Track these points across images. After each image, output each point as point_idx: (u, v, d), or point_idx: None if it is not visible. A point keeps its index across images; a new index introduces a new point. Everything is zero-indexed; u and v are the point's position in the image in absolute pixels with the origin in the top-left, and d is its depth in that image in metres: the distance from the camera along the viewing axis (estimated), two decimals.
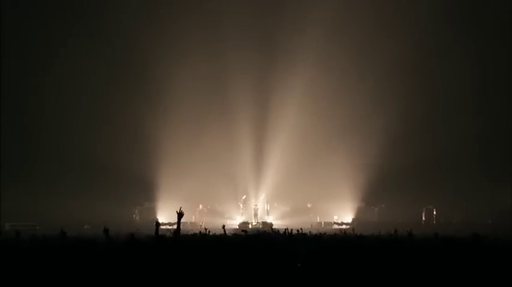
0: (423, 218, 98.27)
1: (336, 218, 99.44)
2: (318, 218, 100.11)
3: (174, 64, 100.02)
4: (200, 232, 14.03)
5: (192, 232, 12.45)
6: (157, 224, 9.40)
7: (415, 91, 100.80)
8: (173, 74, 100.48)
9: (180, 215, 9.25)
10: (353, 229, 16.35)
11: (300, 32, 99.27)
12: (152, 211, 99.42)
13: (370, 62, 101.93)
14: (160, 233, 9.61)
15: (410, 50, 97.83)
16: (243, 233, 12.55)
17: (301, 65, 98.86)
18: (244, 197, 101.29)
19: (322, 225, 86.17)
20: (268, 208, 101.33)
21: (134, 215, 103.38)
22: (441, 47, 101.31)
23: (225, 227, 13.45)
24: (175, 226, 9.68)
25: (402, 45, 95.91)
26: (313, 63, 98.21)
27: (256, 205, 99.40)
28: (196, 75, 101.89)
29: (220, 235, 13.47)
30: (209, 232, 14.58)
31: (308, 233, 15.06)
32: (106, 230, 9.90)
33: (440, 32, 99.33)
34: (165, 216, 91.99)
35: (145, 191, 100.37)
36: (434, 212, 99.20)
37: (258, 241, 11.44)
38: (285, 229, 14.69)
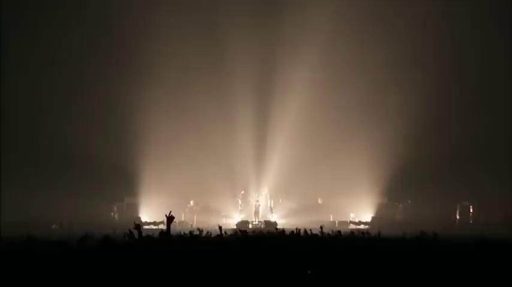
0: (457, 217, 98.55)
1: (352, 217, 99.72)
2: (331, 217, 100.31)
3: (165, 44, 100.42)
4: (190, 232, 13.99)
5: (182, 233, 12.36)
6: (138, 226, 9.26)
7: (449, 68, 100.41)
8: (164, 55, 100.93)
9: (170, 219, 9.18)
10: (367, 232, 16.32)
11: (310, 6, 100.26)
12: (133, 208, 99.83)
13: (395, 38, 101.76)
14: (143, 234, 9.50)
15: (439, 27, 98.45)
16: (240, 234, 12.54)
17: (312, 42, 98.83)
18: (243, 191, 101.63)
19: (336, 224, 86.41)
20: (272, 205, 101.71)
21: (112, 213, 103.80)
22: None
23: (221, 227, 13.46)
24: (161, 226, 9.64)
25: (430, 22, 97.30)
26: (325, 39, 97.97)
27: (257, 201, 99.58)
28: (189, 54, 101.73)
29: (217, 235, 13.48)
30: (202, 231, 14.60)
31: (318, 234, 15.03)
32: (84, 238, 9.81)
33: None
34: (149, 214, 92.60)
35: (125, 184, 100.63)
36: (471, 210, 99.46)
37: (260, 244, 11.45)
38: (296, 229, 14.65)
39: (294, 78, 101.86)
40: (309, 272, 9.24)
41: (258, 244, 11.17)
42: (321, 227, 14.80)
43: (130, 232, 9.45)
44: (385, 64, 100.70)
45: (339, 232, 17.26)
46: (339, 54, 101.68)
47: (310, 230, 16.04)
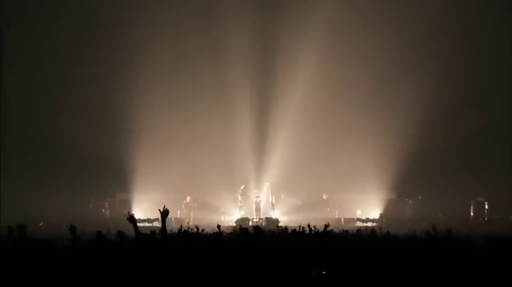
0: (471, 214, 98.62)
1: (359, 214, 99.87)
2: (337, 213, 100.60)
3: (160, 34, 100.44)
4: (184, 228, 13.85)
5: (175, 230, 12.32)
6: (132, 219, 9.15)
7: (462, 54, 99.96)
8: (158, 46, 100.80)
9: (165, 214, 9.17)
10: (379, 228, 16.37)
11: None
12: (126, 204, 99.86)
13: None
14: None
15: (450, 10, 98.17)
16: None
17: (316, 26, 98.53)
18: (243, 186, 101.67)
19: (342, 222, 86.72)
20: (273, 201, 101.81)
21: (103, 210, 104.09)
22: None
23: (220, 226, 13.48)
24: (155, 223, 9.63)
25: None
26: (332, 25, 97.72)
27: (258, 197, 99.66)
28: (185, 44, 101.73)
29: (215, 232, 13.51)
30: (198, 230, 14.66)
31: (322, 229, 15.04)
32: (73, 228, 9.76)
33: None
34: (143, 211, 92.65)
35: (117, 180, 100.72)
36: (486, 206, 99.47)
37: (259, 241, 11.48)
38: (300, 227, 14.67)
39: (297, 68, 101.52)
40: (313, 272, 9.31)
41: (258, 241, 11.22)
42: (326, 226, 14.81)
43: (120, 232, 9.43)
44: (393, 53, 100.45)
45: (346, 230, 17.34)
46: (345, 41, 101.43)
47: (315, 226, 16.05)
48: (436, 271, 8.96)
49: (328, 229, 14.49)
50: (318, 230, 15.26)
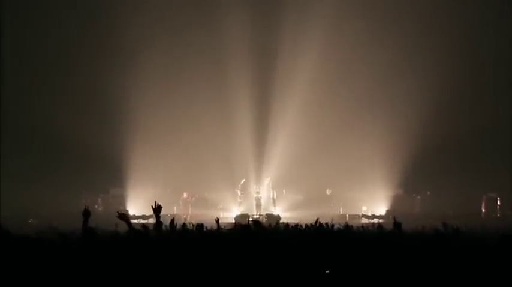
0: (483, 210, 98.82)
1: (364, 210, 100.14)
2: (341, 209, 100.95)
3: (157, 26, 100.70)
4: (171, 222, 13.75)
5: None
6: (124, 216, 9.06)
7: (476, 38, 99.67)
8: (154, 38, 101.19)
9: (157, 209, 9.08)
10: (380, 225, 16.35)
11: None
12: (120, 200, 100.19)
13: None
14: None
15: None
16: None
17: (320, 18, 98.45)
18: (242, 181, 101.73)
19: (347, 218, 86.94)
20: (275, 196, 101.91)
21: (96, 206, 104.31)
22: None
23: (219, 220, 13.46)
24: (151, 220, 9.57)
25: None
26: (335, 15, 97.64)
27: (258, 192, 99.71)
28: (183, 37, 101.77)
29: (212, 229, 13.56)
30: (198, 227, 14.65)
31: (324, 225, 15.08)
32: (63, 235, 9.73)
33: None
34: (138, 207, 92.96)
35: (111, 174, 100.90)
36: (498, 202, 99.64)
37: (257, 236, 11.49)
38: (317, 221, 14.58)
39: (301, 59, 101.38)
40: (327, 271, 9.32)
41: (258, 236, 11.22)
42: (330, 222, 14.87)
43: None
44: (401, 41, 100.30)
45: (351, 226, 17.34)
46: (349, 33, 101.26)
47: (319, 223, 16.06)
48: (446, 267, 8.99)
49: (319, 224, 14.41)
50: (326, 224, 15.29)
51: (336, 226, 16.26)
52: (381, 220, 77.19)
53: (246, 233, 11.30)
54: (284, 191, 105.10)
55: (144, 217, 79.22)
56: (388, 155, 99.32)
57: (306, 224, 16.35)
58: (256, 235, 11.21)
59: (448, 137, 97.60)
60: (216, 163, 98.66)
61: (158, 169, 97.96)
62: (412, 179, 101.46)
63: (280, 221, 42.77)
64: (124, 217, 8.93)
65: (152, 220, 9.66)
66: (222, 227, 14.13)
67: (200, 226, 12.61)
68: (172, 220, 10.10)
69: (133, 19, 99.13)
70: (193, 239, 11.30)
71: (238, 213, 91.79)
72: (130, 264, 8.13)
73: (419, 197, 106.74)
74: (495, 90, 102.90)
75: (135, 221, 71.12)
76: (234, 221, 64.53)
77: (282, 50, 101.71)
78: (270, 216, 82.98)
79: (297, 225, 16.80)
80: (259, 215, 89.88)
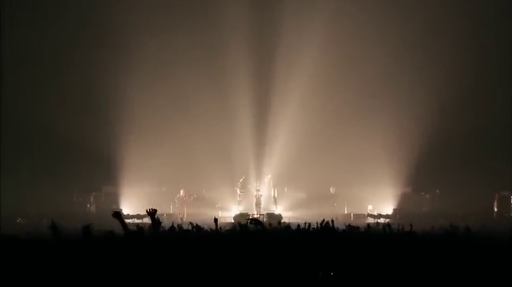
0: (495, 209, 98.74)
1: (370, 209, 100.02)
2: (346, 209, 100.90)
3: (154, 20, 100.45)
4: (177, 224, 13.92)
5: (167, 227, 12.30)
6: (118, 214, 9.08)
7: (490, 27, 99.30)
8: (150, 32, 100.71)
9: (152, 213, 9.12)
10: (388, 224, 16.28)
11: None
12: (113, 199, 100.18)
13: None
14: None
15: None
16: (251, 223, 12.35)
17: (322, 12, 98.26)
18: (242, 179, 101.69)
19: (352, 217, 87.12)
20: (276, 195, 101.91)
21: (88, 205, 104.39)
22: None
23: (217, 220, 13.48)
24: (146, 220, 9.63)
25: None
26: (338, 9, 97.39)
27: (258, 190, 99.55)
28: (180, 31, 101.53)
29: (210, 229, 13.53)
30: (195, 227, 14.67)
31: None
32: (54, 226, 9.75)
33: None
34: (132, 205, 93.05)
35: (103, 172, 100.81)
36: None
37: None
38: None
39: (303, 52, 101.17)
40: (332, 273, 9.35)
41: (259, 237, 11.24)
42: (331, 222, 14.82)
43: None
44: (407, 30, 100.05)
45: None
46: (352, 26, 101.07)
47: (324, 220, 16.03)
48: (457, 267, 9.02)
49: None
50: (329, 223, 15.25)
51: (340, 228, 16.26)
52: (387, 220, 77.27)
53: (246, 233, 11.32)
54: (286, 189, 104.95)
55: (138, 216, 79.17)
56: (395, 152, 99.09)
57: (310, 224, 16.28)
58: (256, 235, 11.23)
59: (459, 133, 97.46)
60: (214, 159, 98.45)
61: (153, 166, 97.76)
62: (421, 177, 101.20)
63: (282, 220, 42.81)
64: (118, 215, 8.98)
65: (147, 220, 9.67)
66: (221, 227, 14.12)
67: (198, 227, 12.63)
68: (172, 225, 10.19)
69: (129, 16, 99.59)
70: (191, 239, 11.31)
71: (238, 212, 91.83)
72: (127, 265, 8.15)
73: (428, 195, 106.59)
74: (508, 84, 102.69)
75: (129, 220, 71.17)
76: (233, 220, 64.70)
77: (282, 44, 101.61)
78: (271, 215, 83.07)
79: (299, 226, 16.69)
80: (260, 214, 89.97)
